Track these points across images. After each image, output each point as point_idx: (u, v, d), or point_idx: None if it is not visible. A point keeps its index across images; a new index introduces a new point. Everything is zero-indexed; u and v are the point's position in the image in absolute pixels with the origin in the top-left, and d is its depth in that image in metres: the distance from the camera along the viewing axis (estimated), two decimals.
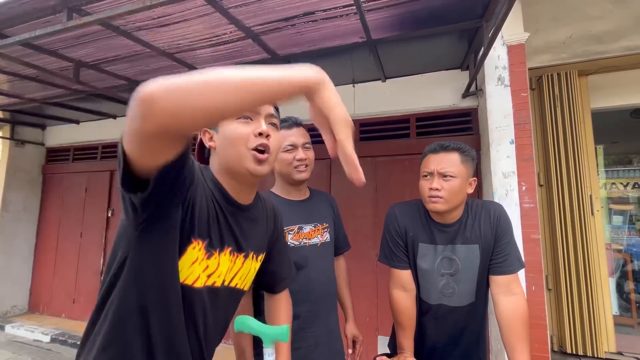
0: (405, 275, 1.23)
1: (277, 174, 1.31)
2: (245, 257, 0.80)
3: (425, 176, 1.17)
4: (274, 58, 2.53)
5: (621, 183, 4.26)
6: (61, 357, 3.25)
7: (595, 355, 2.49)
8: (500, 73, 2.37)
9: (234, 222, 0.77)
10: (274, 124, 0.79)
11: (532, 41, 2.76)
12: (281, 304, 0.98)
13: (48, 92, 3.30)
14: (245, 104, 0.47)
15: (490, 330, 2.41)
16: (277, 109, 0.83)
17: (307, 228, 1.28)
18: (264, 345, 0.69)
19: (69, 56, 2.48)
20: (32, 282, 4.67)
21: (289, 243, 1.21)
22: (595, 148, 3.00)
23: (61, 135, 4.76)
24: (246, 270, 0.81)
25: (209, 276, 0.71)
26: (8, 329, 3.93)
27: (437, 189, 1.11)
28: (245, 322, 0.71)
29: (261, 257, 0.88)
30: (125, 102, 3.33)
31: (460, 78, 2.86)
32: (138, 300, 0.63)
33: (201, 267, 0.69)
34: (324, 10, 1.98)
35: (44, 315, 4.44)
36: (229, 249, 0.75)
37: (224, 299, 0.76)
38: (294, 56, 2.55)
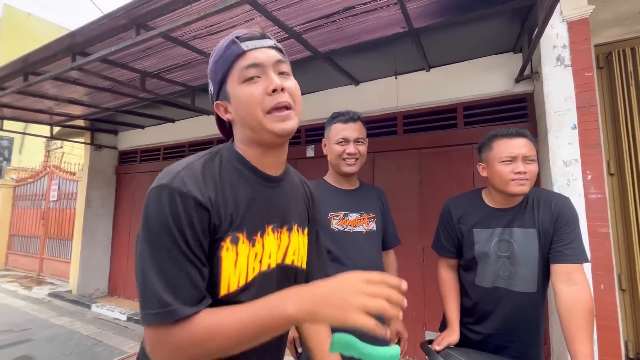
0: (452, 261, 1.33)
1: (329, 163, 1.40)
2: (289, 230, 0.74)
3: (507, 161, 1.17)
4: (316, 56, 2.60)
5: None
6: (136, 334, 3.72)
7: None
8: (559, 52, 2.18)
9: (267, 198, 0.70)
10: (283, 72, 0.68)
11: (599, 14, 2.47)
12: None
13: (119, 101, 3.74)
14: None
15: (552, 332, 2.25)
16: (280, 50, 0.70)
17: (353, 216, 1.33)
18: None
19: (136, 68, 2.80)
20: (110, 269, 5.35)
21: (333, 227, 1.28)
22: None
23: (130, 139, 5.36)
24: (296, 244, 0.76)
25: (260, 262, 0.67)
26: (94, 307, 4.58)
27: (524, 172, 1.13)
28: (347, 341, 0.55)
29: (306, 231, 0.83)
30: (182, 107, 3.65)
31: (513, 61, 2.67)
32: None
33: (250, 258, 0.65)
34: (364, 4, 1.99)
35: (120, 298, 5.07)
36: (270, 227, 0.70)
37: (277, 279, 0.71)
38: (334, 52, 2.59)
